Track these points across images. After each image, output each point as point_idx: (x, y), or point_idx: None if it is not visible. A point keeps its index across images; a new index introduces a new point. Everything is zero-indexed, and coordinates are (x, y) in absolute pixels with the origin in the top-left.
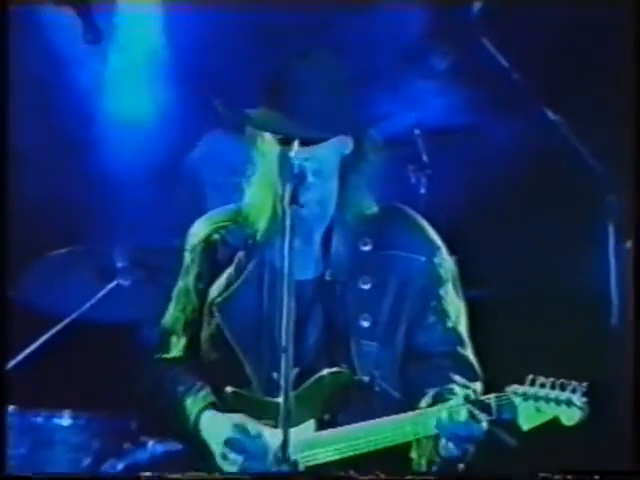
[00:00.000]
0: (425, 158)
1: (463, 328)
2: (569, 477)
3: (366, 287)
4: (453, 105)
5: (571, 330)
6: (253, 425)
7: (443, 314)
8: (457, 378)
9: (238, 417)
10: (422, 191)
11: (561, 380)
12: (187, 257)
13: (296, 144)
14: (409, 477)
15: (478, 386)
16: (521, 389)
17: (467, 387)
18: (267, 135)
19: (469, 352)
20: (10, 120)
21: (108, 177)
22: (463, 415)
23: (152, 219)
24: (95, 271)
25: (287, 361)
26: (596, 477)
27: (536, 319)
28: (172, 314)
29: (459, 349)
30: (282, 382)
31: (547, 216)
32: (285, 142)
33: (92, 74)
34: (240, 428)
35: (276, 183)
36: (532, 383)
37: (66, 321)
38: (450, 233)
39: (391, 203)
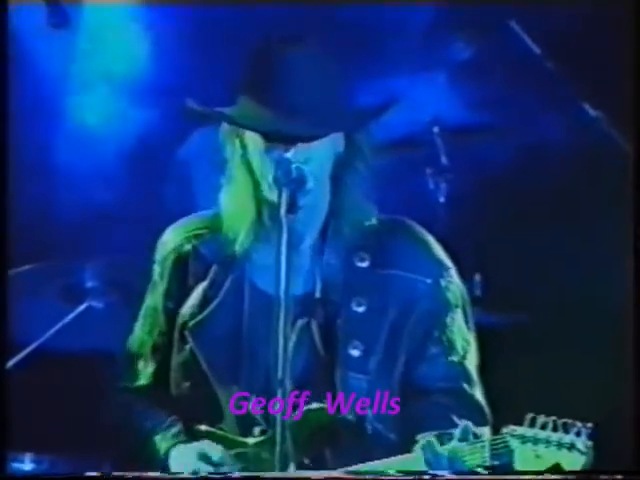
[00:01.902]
0: (445, 160)
1: (471, 364)
2: (570, 477)
3: (359, 309)
4: (477, 99)
5: (583, 362)
6: (217, 453)
7: (448, 346)
8: (461, 421)
9: (203, 445)
10: (441, 199)
11: (564, 420)
12: (156, 270)
13: (299, 145)
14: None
15: (486, 431)
16: (519, 430)
17: (467, 431)
18: (248, 133)
19: (477, 391)
20: None
21: (76, 181)
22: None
23: (129, 230)
24: (62, 292)
25: (284, 395)
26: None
27: (544, 349)
28: (138, 336)
29: (465, 386)
30: (278, 421)
31: (585, 232)
32: (273, 140)
33: (58, 64)
34: (204, 457)
35: (259, 186)
36: (532, 423)
37: (28, 350)
38: (473, 248)
39: (395, 216)
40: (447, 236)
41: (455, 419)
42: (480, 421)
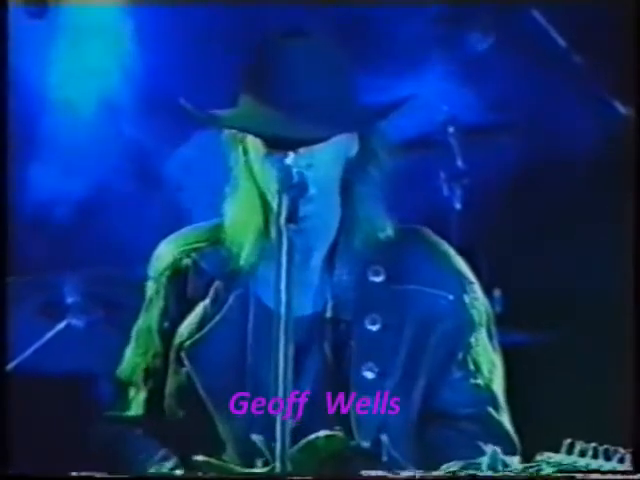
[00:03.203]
0: (461, 164)
1: (498, 387)
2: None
3: (374, 328)
4: (496, 96)
5: (615, 382)
6: None
7: (473, 368)
8: (488, 448)
9: None
10: (457, 206)
11: (606, 446)
12: (150, 288)
13: (301, 149)
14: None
15: (515, 461)
16: (556, 458)
17: (496, 458)
18: (250, 137)
19: (504, 418)
20: None
21: (55, 185)
22: None
23: (113, 241)
24: (40, 308)
25: (283, 422)
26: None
27: (572, 369)
28: (130, 360)
29: (492, 412)
30: (277, 449)
31: (617, 241)
32: (273, 144)
33: (36, 60)
34: None
35: (264, 195)
36: (570, 450)
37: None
38: (492, 261)
39: (411, 225)
40: (463, 247)
41: (482, 446)
42: (509, 449)
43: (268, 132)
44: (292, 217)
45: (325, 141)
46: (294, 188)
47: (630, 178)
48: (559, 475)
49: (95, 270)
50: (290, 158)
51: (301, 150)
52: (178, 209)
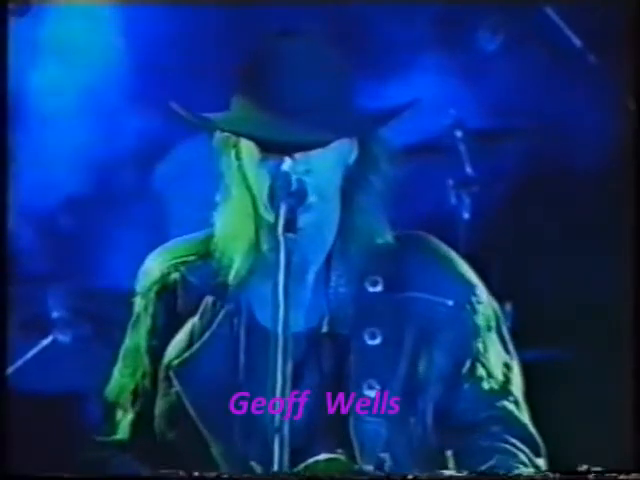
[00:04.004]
0: (469, 170)
1: (517, 389)
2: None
3: (374, 342)
4: (507, 98)
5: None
6: None
7: (484, 374)
8: (518, 443)
9: None
10: (465, 216)
11: (620, 476)
12: (138, 304)
13: (297, 154)
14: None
15: (541, 463)
16: None
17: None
18: (244, 141)
19: (526, 418)
20: None
21: (40, 197)
22: None
23: (101, 252)
24: (24, 322)
25: (281, 445)
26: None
27: (588, 389)
28: (117, 381)
29: (513, 410)
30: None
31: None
32: (269, 148)
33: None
34: None
35: (257, 204)
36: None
37: None
38: (503, 273)
39: (410, 231)
40: (472, 259)
41: (510, 440)
42: (533, 450)
43: (263, 135)
44: (291, 226)
45: (323, 146)
46: (293, 196)
47: None
48: (562, 476)
49: (82, 283)
50: (287, 164)
51: (297, 155)
52: (166, 220)
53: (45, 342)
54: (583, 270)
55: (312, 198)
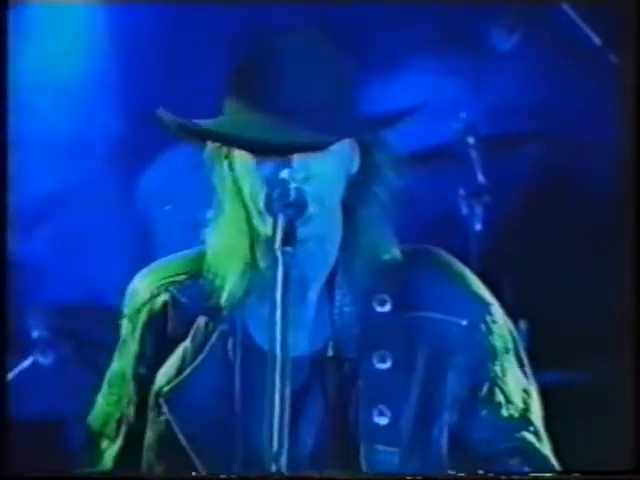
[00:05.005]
0: (482, 178)
1: (537, 417)
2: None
3: (384, 366)
4: (522, 101)
5: None
6: None
7: (503, 400)
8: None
9: None
10: (477, 227)
11: None
12: (125, 327)
13: (295, 160)
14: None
15: None
16: None
17: None
18: (237, 151)
19: (547, 449)
20: None
21: (17, 203)
22: None
23: (83, 268)
24: (1, 343)
25: (280, 474)
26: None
27: (610, 415)
28: (102, 408)
29: (533, 441)
30: None
31: None
32: (264, 150)
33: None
34: None
35: (252, 218)
36: None
37: None
38: (517, 289)
39: (420, 245)
40: (484, 273)
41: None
42: None
43: (259, 138)
44: (289, 240)
45: (324, 147)
46: (291, 206)
47: None
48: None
49: (63, 301)
50: (285, 172)
51: (295, 162)
52: (151, 235)
53: (24, 365)
54: (606, 283)
55: (312, 209)
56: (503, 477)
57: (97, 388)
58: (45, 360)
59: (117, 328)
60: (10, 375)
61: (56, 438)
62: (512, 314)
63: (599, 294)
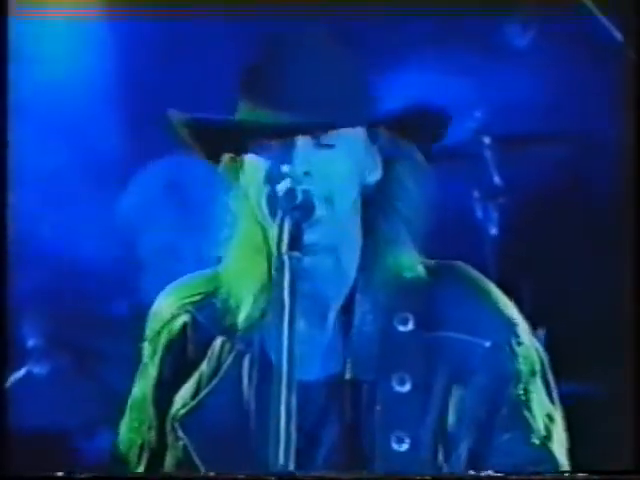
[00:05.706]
0: (497, 180)
1: (559, 447)
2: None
3: (403, 389)
4: (539, 100)
5: None
6: None
7: (525, 426)
8: None
9: None
10: (493, 231)
11: None
12: (146, 350)
13: (300, 142)
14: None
15: None
16: None
17: None
18: (247, 161)
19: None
20: None
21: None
22: None
23: (78, 273)
24: None
25: None
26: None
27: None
28: (124, 435)
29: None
30: None
31: None
32: (276, 133)
33: None
34: None
35: (267, 236)
36: None
37: None
38: (534, 296)
39: (445, 261)
40: (500, 280)
41: None
42: None
43: (270, 121)
44: (294, 243)
45: (335, 128)
46: (298, 209)
47: None
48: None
49: (59, 308)
50: (287, 166)
51: (299, 154)
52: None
53: (17, 375)
54: (628, 289)
55: (320, 211)
56: (509, 477)
57: (96, 402)
58: (40, 370)
59: (138, 351)
60: (7, 384)
61: (52, 454)
62: (528, 320)
63: (626, 299)
